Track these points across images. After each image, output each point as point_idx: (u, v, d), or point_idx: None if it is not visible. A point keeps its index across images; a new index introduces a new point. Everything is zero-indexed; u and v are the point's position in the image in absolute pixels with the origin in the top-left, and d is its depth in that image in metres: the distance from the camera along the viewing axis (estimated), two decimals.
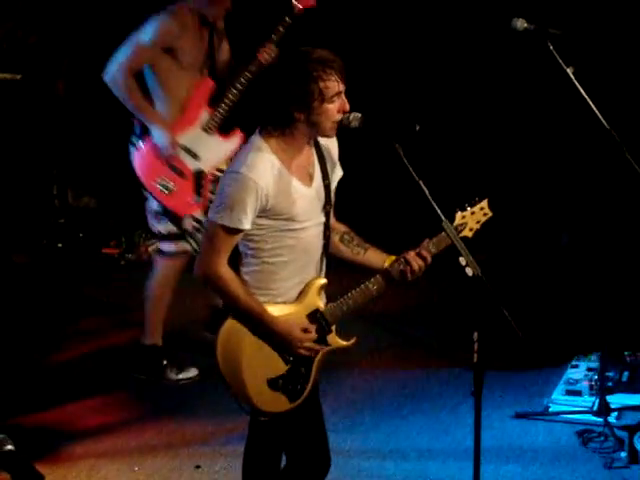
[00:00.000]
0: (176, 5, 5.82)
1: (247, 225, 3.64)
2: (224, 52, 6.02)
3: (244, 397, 3.76)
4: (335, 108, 3.66)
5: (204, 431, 5.43)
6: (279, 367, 3.77)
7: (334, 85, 3.63)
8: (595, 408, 5.38)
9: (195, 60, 5.83)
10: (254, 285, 3.75)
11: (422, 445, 5.27)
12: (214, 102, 5.87)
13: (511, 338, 3.83)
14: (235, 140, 5.91)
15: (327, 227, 3.83)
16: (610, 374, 5.66)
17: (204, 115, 5.86)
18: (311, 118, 3.65)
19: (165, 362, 5.99)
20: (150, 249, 5.84)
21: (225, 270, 3.68)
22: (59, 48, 8.06)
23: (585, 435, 5.26)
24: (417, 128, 3.77)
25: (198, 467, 5.08)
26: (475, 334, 3.69)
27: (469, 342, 3.70)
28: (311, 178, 3.78)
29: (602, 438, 5.22)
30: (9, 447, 3.16)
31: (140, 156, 5.82)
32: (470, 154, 8.01)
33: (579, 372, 5.83)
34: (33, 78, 7.97)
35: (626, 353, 5.84)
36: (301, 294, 3.79)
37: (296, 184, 3.71)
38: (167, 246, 5.92)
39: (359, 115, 3.69)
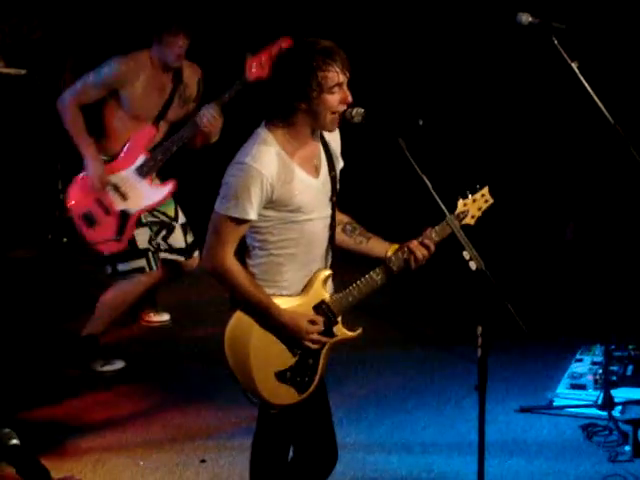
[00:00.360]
0: (140, 51, 5.90)
1: (253, 215, 3.63)
2: (188, 98, 6.03)
3: (253, 390, 3.76)
4: (335, 99, 3.64)
5: (209, 425, 5.43)
6: (287, 359, 3.77)
7: (333, 76, 3.62)
8: (599, 402, 5.37)
9: (143, 108, 5.92)
10: (261, 277, 3.75)
11: (427, 439, 5.27)
12: (154, 149, 5.99)
13: (515, 332, 3.85)
14: (165, 190, 6.05)
15: (333, 219, 3.83)
16: (614, 368, 5.65)
17: (141, 159, 5.97)
18: (312, 108, 3.64)
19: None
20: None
21: (232, 262, 3.68)
22: (64, 43, 8.07)
23: (589, 429, 5.26)
24: (420, 123, 3.77)
25: (203, 461, 5.08)
26: (479, 328, 3.69)
27: (473, 336, 3.71)
28: (317, 170, 3.78)
29: (606, 432, 5.22)
30: (14, 441, 3.16)
31: (76, 184, 6.02)
32: (475, 149, 8.01)
33: (583, 366, 5.84)
34: (38, 73, 7.99)
35: (630, 347, 5.84)
36: (307, 286, 3.79)
37: (302, 175, 3.70)
38: (122, 266, 6.02)
39: (362, 110, 3.68)
